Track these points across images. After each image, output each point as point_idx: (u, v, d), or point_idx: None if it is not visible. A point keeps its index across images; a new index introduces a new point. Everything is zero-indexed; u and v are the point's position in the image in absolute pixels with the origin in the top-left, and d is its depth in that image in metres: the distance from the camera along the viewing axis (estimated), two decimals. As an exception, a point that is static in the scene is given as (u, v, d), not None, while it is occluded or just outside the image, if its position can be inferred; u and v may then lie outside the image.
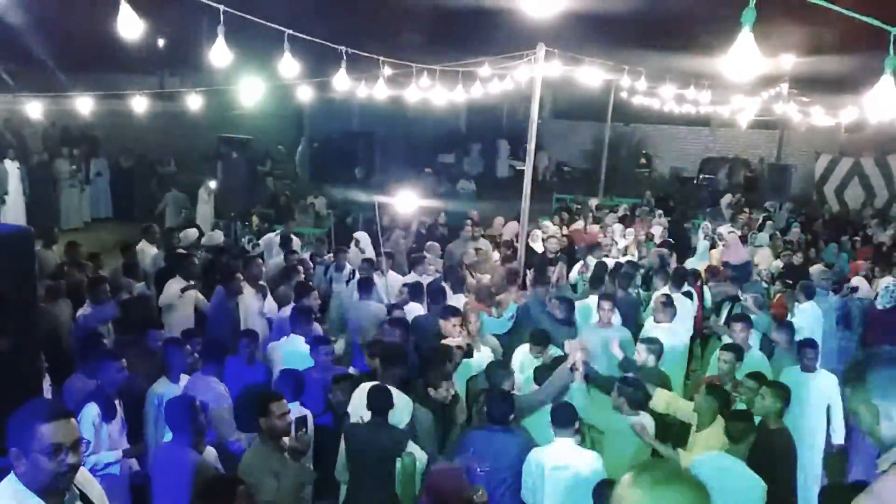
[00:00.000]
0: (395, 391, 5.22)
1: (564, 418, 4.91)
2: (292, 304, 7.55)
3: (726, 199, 19.23)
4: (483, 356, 6.64)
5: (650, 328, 7.57)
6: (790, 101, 17.38)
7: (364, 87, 10.52)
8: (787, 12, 9.19)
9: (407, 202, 9.67)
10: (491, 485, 4.80)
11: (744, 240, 12.94)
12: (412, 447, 4.90)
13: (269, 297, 8.20)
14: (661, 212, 16.12)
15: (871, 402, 2.29)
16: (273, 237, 11.49)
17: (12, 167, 15.06)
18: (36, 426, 2.58)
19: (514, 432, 5.06)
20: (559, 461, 4.80)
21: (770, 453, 5.09)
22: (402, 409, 5.26)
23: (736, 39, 3.41)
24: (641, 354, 6.45)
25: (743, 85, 14.84)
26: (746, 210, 16.95)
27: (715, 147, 24.94)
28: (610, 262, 10.17)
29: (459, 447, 5.11)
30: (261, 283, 8.26)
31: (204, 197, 15.52)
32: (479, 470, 4.78)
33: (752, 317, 7.58)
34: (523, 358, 6.79)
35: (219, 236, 11.99)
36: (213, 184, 15.67)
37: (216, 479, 4.20)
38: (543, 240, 12.02)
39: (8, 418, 2.60)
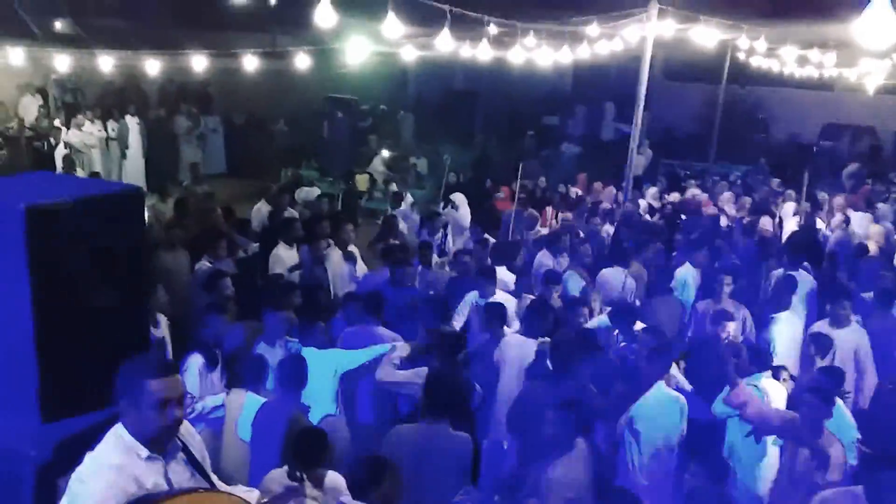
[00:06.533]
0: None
1: None
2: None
3: (849, 168, 18.13)
4: None
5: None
6: (925, 65, 16.05)
7: (468, 47, 10.38)
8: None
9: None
10: None
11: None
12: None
13: (360, 262, 8.10)
14: (778, 181, 15.36)
15: None
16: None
17: (133, 122, 15.78)
18: (145, 381, 2.68)
19: None
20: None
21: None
22: None
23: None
24: None
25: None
26: (868, 182, 15.94)
27: (838, 113, 23.39)
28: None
29: None
30: (350, 248, 8.12)
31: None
32: None
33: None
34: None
35: (315, 192, 12.12)
36: None
37: (307, 432, 4.29)
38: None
39: (118, 371, 2.72)
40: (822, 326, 6.73)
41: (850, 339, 6.55)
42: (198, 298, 7.19)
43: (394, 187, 12.28)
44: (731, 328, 6.35)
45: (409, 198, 11.66)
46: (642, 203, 12.30)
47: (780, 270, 8.11)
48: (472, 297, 6.76)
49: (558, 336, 5.52)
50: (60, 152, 14.50)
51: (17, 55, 10.91)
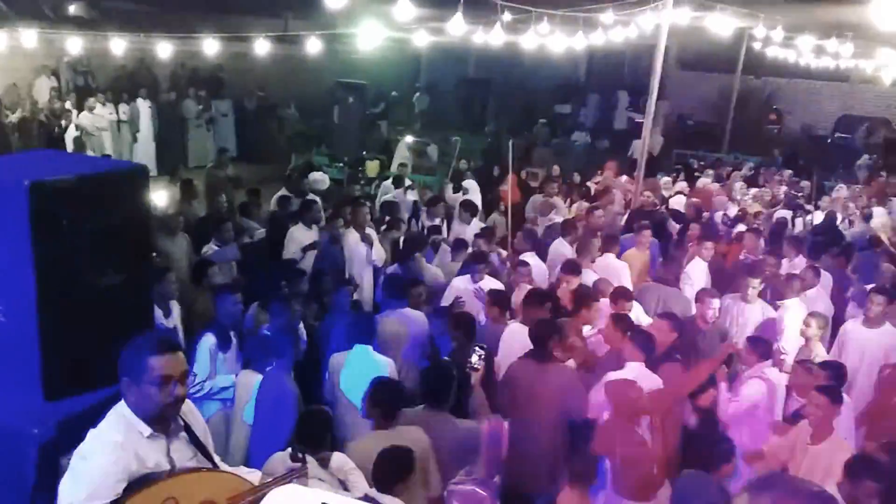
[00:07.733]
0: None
1: None
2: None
3: (862, 159, 17.97)
4: None
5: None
6: (945, 57, 15.84)
7: (481, 33, 10.29)
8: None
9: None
10: None
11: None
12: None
13: (377, 245, 8.12)
14: (790, 171, 15.26)
15: None
16: (389, 184, 11.60)
17: (144, 106, 15.80)
18: (146, 358, 2.65)
19: None
20: None
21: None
22: None
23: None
24: None
25: (891, 38, 13.62)
26: (883, 174, 15.76)
27: (853, 104, 23.20)
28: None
29: None
30: (367, 230, 8.12)
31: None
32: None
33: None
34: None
35: (324, 177, 12.09)
36: None
37: (310, 413, 4.24)
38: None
39: (120, 349, 2.70)
40: (854, 325, 6.62)
41: (883, 341, 6.37)
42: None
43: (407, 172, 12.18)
44: (716, 305, 6.35)
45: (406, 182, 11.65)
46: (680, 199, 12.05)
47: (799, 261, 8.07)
48: (460, 282, 6.78)
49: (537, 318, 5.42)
50: (71, 134, 14.53)
51: (29, 37, 10.90)
